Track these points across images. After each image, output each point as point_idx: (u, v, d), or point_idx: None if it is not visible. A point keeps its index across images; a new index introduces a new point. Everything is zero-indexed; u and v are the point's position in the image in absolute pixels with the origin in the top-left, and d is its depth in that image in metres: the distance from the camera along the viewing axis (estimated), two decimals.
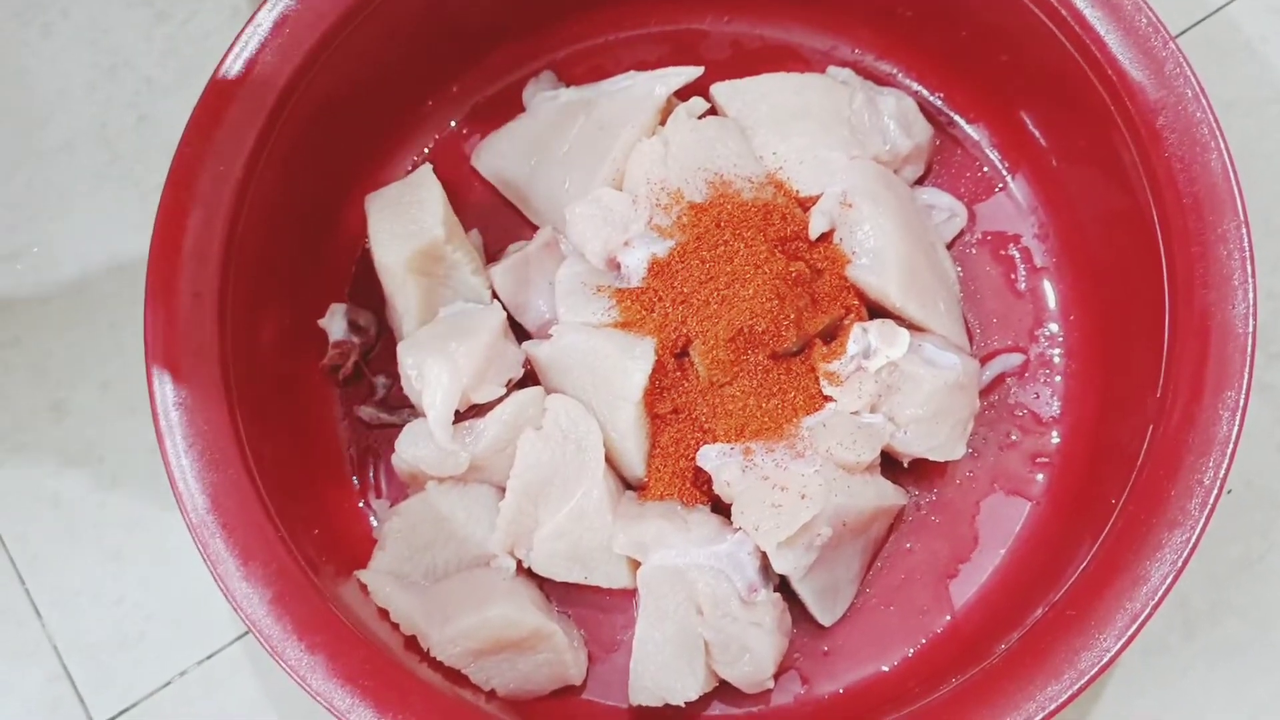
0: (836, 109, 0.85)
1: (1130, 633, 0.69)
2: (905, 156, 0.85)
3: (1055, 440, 0.84)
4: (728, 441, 0.79)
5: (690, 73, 0.86)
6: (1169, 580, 0.70)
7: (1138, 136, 0.76)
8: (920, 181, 0.88)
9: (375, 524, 0.84)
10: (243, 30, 0.79)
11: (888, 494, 0.80)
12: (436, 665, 0.77)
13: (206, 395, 0.75)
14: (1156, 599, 0.69)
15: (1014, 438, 0.84)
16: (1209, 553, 0.85)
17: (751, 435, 0.79)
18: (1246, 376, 0.71)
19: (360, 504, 0.85)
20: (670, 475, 0.80)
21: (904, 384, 0.79)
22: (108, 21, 0.98)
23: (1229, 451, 0.71)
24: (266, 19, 0.79)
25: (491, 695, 0.78)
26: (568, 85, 0.90)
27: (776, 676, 0.78)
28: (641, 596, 0.77)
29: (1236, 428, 0.71)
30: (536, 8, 0.89)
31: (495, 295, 0.84)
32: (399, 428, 0.82)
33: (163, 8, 0.98)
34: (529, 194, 0.88)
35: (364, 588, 0.78)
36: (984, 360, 0.85)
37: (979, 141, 0.89)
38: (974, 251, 0.88)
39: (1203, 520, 0.70)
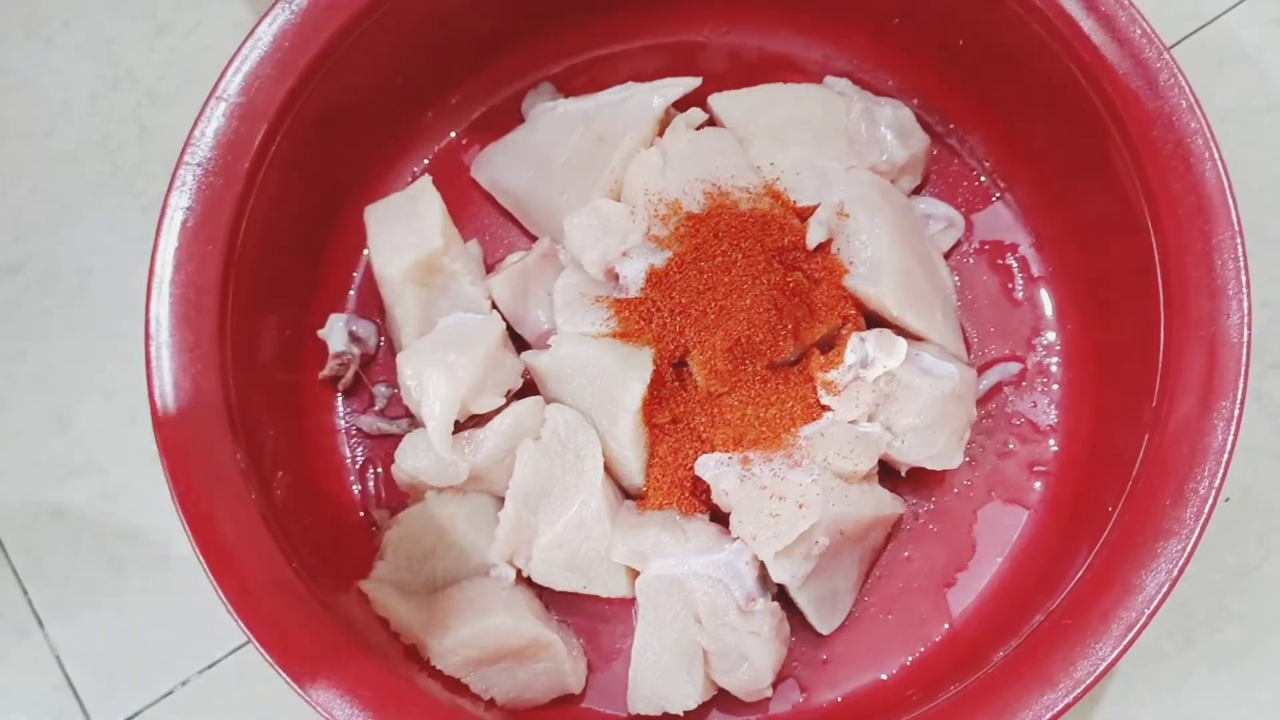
0: (833, 119, 0.85)
1: (1126, 641, 0.69)
2: (902, 166, 0.85)
3: (1053, 449, 0.84)
4: (726, 451, 0.79)
5: (688, 84, 0.86)
6: (1165, 589, 0.70)
7: (1132, 147, 0.76)
8: (917, 191, 0.89)
9: (376, 533, 0.85)
10: (243, 43, 0.79)
11: (885, 503, 0.80)
12: (436, 674, 0.77)
13: (207, 406, 0.75)
14: (1152, 608, 0.70)
15: (1011, 446, 0.85)
16: (1207, 560, 0.85)
17: (749, 445, 0.79)
18: (1241, 386, 0.72)
19: (360, 514, 0.85)
20: (669, 485, 0.80)
21: (901, 393, 0.79)
22: (110, 33, 0.98)
23: (1224, 461, 0.71)
24: (267, 32, 0.80)
25: (491, 704, 0.78)
26: (566, 96, 0.91)
27: (775, 685, 0.78)
28: (640, 605, 0.77)
29: (1231, 437, 0.71)
30: (535, 20, 0.89)
31: (494, 306, 0.85)
32: (399, 438, 0.83)
33: (164, 20, 0.98)
34: (528, 205, 0.88)
35: (364, 597, 0.79)
36: (981, 369, 0.85)
37: (976, 151, 0.90)
38: (971, 261, 0.88)
39: (1198, 529, 0.70)
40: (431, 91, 0.90)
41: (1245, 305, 0.73)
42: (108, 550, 0.88)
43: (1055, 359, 0.86)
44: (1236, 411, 0.71)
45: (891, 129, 0.85)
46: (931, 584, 0.83)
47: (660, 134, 0.85)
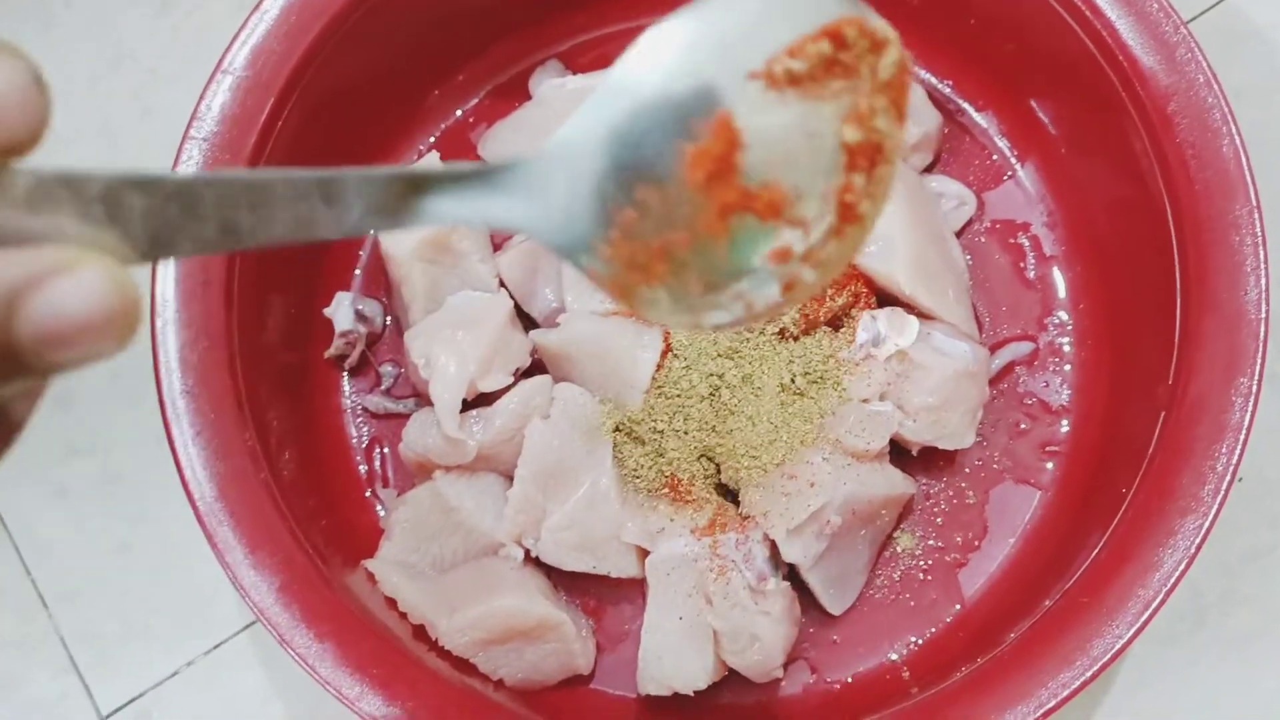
0: None
1: (1143, 619, 0.69)
2: (914, 144, 0.85)
3: (1065, 429, 0.84)
4: None
5: None
6: (1182, 567, 0.69)
7: (1149, 123, 0.76)
8: (929, 169, 0.88)
9: (383, 513, 0.84)
10: (247, 19, 0.79)
11: (897, 482, 0.80)
12: (444, 654, 0.76)
13: (213, 383, 0.74)
14: (1169, 585, 0.69)
15: (1024, 426, 0.84)
16: (1219, 543, 0.84)
17: None
18: (1259, 362, 0.71)
19: (368, 493, 0.85)
20: None
21: (913, 372, 0.79)
22: (110, 13, 0.97)
23: (1241, 438, 0.70)
24: (271, 7, 0.79)
25: (499, 684, 0.77)
26: (574, 74, 0.90)
27: (786, 666, 0.78)
28: (650, 586, 0.77)
29: (1249, 414, 0.71)
30: None
31: (502, 284, 0.84)
32: (406, 417, 0.82)
33: None
34: None
35: (371, 577, 0.78)
36: (993, 348, 0.85)
37: (988, 129, 0.89)
38: (983, 240, 0.87)
39: (1215, 507, 0.70)
40: (438, 69, 0.89)
41: (1263, 281, 0.72)
42: (113, 531, 0.88)
43: (1068, 338, 0.85)
44: (1255, 388, 0.71)
45: None
46: (943, 564, 0.82)
47: None
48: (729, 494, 0.79)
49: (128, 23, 0.97)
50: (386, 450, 0.86)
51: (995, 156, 0.89)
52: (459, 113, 0.91)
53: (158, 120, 0.95)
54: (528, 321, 0.84)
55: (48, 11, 0.97)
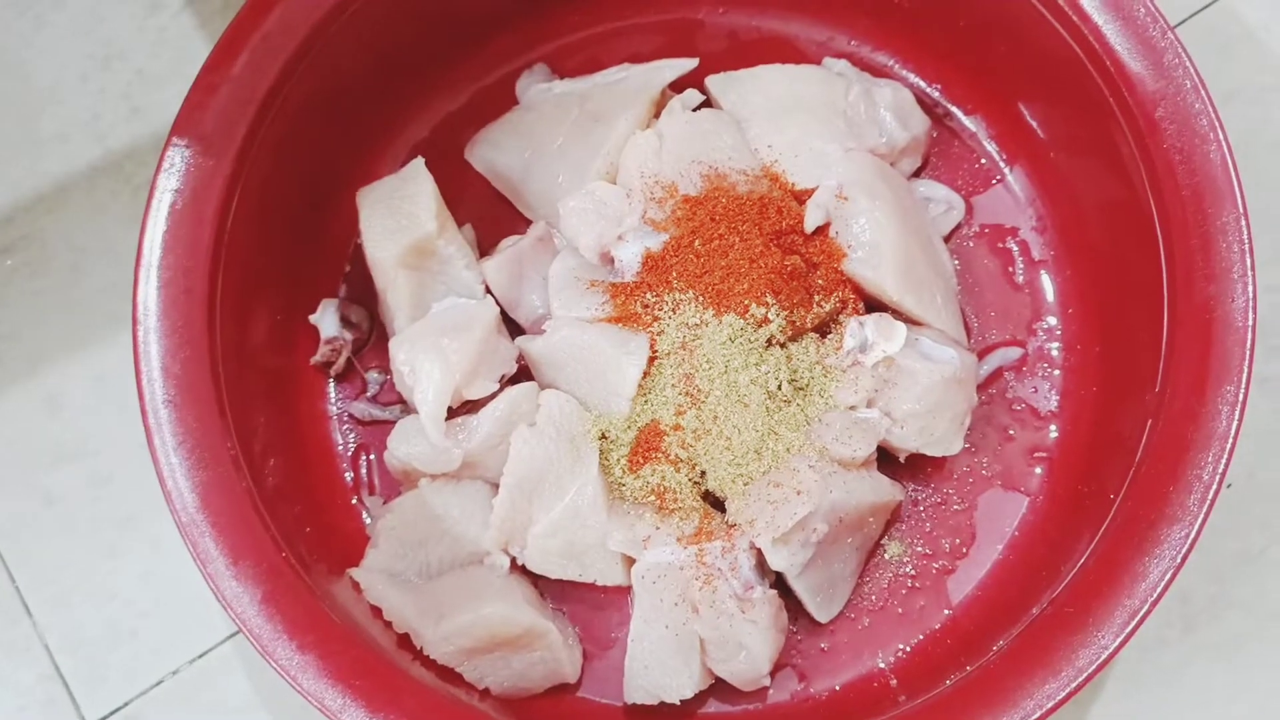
0: (832, 101, 0.84)
1: (1129, 629, 0.69)
2: (902, 149, 0.85)
3: (1054, 435, 0.83)
4: None
5: (685, 64, 0.85)
6: (1168, 576, 0.69)
7: (1136, 128, 0.75)
8: (917, 174, 0.88)
9: (368, 521, 0.84)
10: (233, 22, 0.78)
11: (884, 489, 0.80)
12: (429, 664, 0.76)
13: (196, 392, 0.74)
14: (1155, 595, 0.69)
15: (1012, 432, 0.84)
16: (1209, 547, 0.84)
17: None
18: (1246, 370, 0.71)
19: (353, 501, 0.85)
20: None
21: (901, 378, 0.78)
22: (101, 13, 0.97)
23: (1228, 446, 0.70)
24: (258, 10, 0.78)
25: (485, 694, 0.77)
26: (561, 77, 0.90)
27: (773, 674, 0.78)
28: (636, 594, 0.77)
29: (1236, 422, 0.70)
30: None
31: (488, 290, 0.84)
32: (392, 424, 0.82)
33: None
34: (522, 188, 0.87)
35: (356, 586, 0.78)
36: (982, 354, 0.85)
37: (976, 133, 0.89)
38: (971, 244, 0.87)
39: (1202, 516, 0.70)
40: (424, 73, 0.89)
41: (1250, 289, 0.72)
42: (98, 537, 0.87)
43: (1056, 344, 0.85)
44: (1241, 396, 0.71)
45: (891, 111, 0.84)
46: (931, 571, 0.82)
47: (656, 115, 0.84)
48: (715, 502, 0.79)
49: (117, 22, 0.97)
50: (372, 457, 0.85)
51: (984, 160, 0.88)
52: (445, 116, 0.91)
53: (147, 119, 0.95)
54: (514, 328, 0.84)
55: (38, 9, 0.97)
